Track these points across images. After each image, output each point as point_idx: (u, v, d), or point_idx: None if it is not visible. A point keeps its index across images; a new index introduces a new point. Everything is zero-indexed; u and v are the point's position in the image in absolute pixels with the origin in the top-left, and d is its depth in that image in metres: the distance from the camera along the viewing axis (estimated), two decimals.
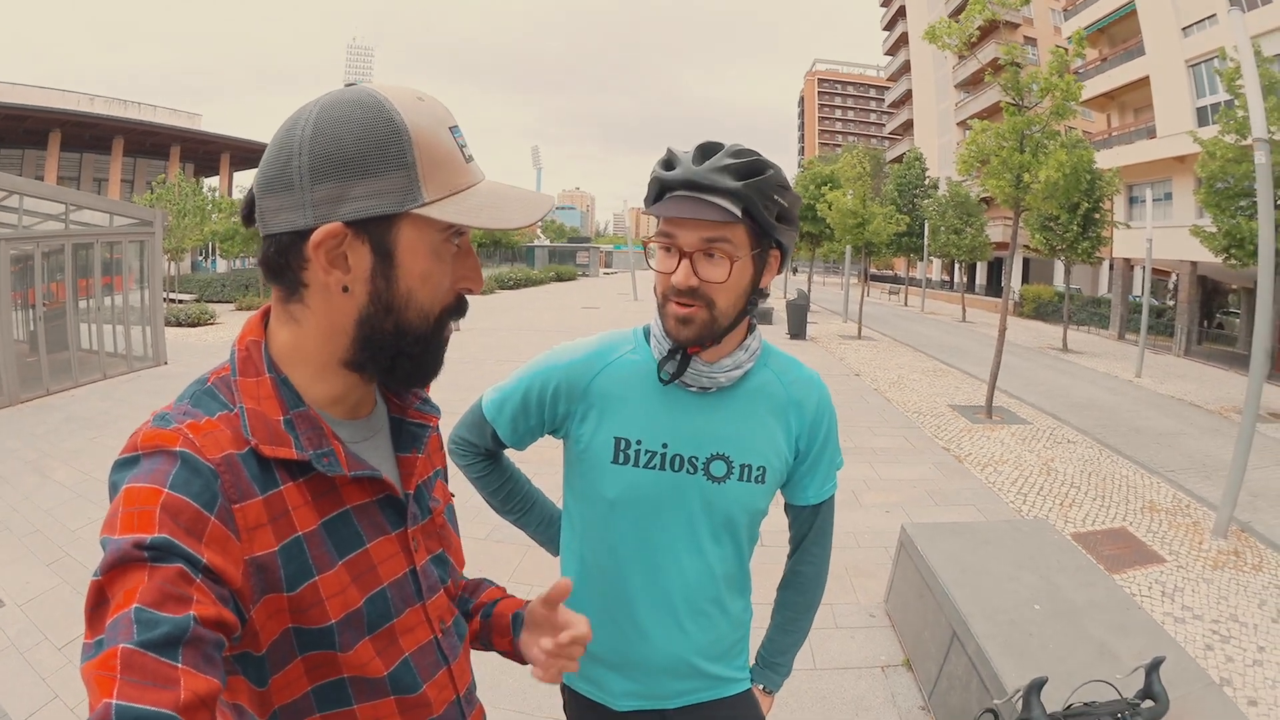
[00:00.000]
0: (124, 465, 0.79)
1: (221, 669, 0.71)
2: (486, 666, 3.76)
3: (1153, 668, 1.80)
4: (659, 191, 1.40)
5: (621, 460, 1.50)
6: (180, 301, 23.71)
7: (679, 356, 1.45)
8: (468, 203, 0.88)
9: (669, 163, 1.39)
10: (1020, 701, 1.78)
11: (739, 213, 1.33)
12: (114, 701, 0.61)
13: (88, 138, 39.72)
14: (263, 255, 0.90)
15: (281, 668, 0.87)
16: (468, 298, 0.98)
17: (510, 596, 1.29)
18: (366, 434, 1.00)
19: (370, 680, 0.93)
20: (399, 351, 0.92)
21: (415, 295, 0.89)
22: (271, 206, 0.86)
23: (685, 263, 1.36)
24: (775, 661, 1.78)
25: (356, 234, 0.85)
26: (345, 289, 0.87)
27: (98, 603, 0.69)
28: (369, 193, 0.83)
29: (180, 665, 0.65)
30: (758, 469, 1.52)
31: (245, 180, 48.38)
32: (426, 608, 1.02)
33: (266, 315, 0.95)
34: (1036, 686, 1.76)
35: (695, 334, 1.40)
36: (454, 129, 0.91)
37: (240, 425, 0.85)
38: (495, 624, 1.23)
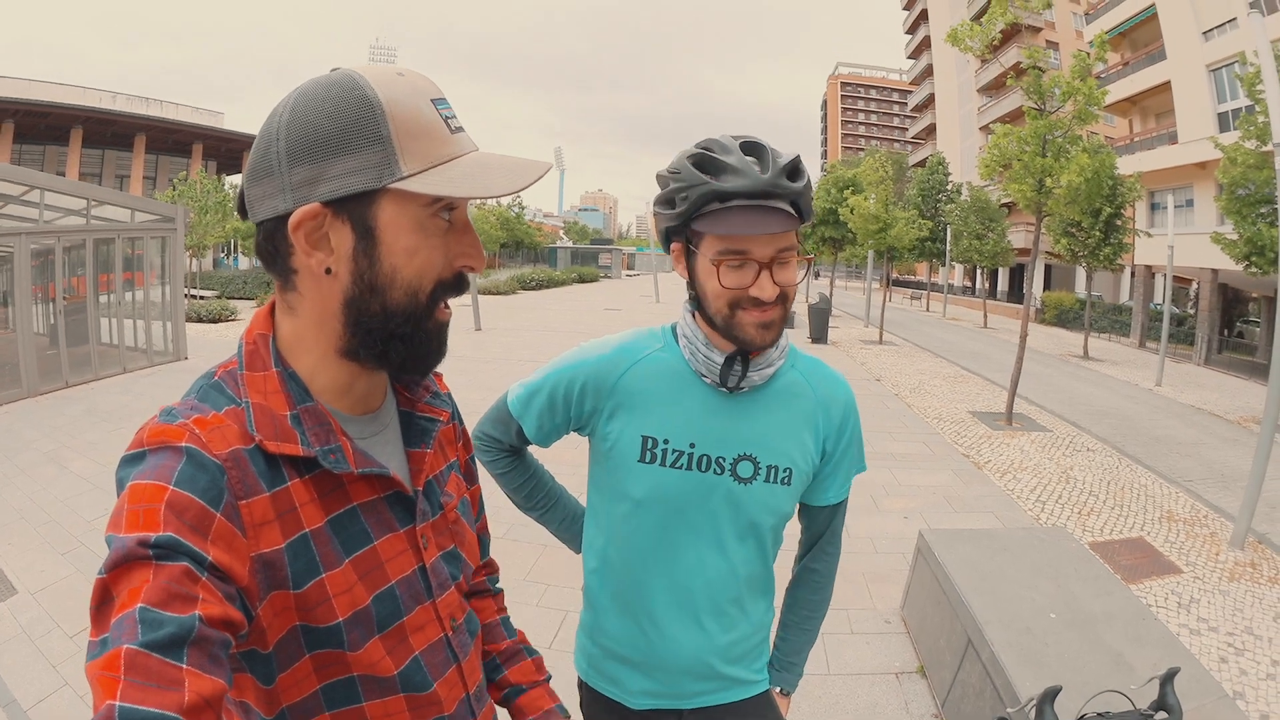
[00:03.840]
0: (130, 461, 0.79)
1: (228, 668, 0.70)
2: None
3: (1167, 679, 1.78)
4: (708, 200, 1.32)
5: (648, 459, 1.48)
6: (202, 298, 23.92)
7: (741, 361, 1.44)
8: (449, 174, 0.85)
9: (718, 168, 1.31)
10: (1033, 710, 1.77)
11: (799, 214, 1.33)
12: (117, 703, 0.61)
13: (109, 135, 40.17)
14: (256, 244, 0.90)
15: (289, 666, 0.86)
16: (470, 278, 0.96)
17: (535, 686, 1.31)
18: (376, 429, 0.99)
19: (380, 679, 0.93)
20: (390, 334, 0.89)
21: (400, 272, 0.87)
22: (257, 195, 0.86)
23: (766, 274, 1.33)
24: (790, 661, 1.75)
25: (336, 214, 0.84)
26: (328, 270, 0.86)
27: (102, 601, 0.69)
28: (345, 171, 0.82)
29: (185, 666, 0.65)
30: (784, 471, 1.50)
31: None
32: (437, 605, 1.01)
33: (274, 309, 0.94)
34: (1050, 696, 1.74)
35: (775, 336, 1.40)
36: (438, 101, 0.88)
37: (246, 420, 0.84)
38: (514, 715, 1.29)
